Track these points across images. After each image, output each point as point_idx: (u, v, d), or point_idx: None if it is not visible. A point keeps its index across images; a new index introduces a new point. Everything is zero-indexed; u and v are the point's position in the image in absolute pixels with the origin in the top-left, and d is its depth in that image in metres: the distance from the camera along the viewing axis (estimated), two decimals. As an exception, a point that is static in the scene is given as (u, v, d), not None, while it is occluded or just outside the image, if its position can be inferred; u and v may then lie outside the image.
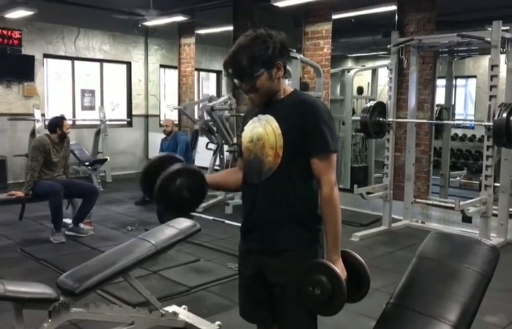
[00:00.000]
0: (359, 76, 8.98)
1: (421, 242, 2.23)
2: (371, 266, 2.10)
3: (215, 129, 7.51)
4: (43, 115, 8.99)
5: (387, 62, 6.83)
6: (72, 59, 9.85)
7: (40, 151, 5.38)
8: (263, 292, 2.05)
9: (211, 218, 6.31)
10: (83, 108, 10.17)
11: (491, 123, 5.26)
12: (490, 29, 5.34)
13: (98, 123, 9.60)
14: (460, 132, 9.91)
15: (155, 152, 8.53)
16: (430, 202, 6.58)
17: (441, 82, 7.51)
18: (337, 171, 2.09)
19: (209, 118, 7.37)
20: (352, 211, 6.83)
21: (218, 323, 3.26)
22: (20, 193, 5.35)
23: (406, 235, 6.00)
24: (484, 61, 8.36)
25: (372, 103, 6.54)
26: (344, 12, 7.64)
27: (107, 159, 9.10)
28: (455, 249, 2.16)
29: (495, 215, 5.57)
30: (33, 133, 8.44)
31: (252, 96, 1.99)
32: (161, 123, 10.28)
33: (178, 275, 4.41)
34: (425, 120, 6.64)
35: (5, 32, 8.71)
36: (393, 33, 6.41)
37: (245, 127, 2.08)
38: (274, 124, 1.96)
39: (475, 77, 10.20)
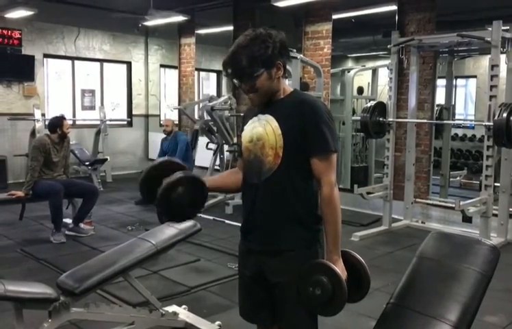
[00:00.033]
0: (359, 76, 8.98)
1: (422, 242, 2.23)
2: (371, 266, 2.10)
3: (215, 129, 7.51)
4: (43, 115, 8.99)
5: (387, 62, 6.83)
6: (73, 59, 9.85)
7: (40, 151, 5.38)
8: (263, 292, 2.05)
9: (211, 218, 6.31)
10: (84, 108, 10.17)
11: (491, 123, 5.26)
12: (490, 29, 5.34)
13: (98, 122, 9.59)
14: (460, 132, 9.91)
15: (155, 152, 8.53)
16: (431, 202, 6.58)
17: (441, 82, 7.51)
18: (337, 171, 2.08)
19: (209, 118, 7.38)
20: (352, 211, 6.83)
21: (218, 323, 3.26)
22: (20, 193, 5.35)
23: (406, 235, 6.00)
24: (485, 61, 8.37)
25: (372, 103, 6.54)
26: (344, 12, 7.64)
27: (107, 159, 9.10)
28: (455, 249, 2.16)
29: (496, 215, 5.57)
30: (33, 133, 8.44)
31: (251, 96, 1.98)
32: (162, 122, 10.29)
33: (178, 275, 4.41)
34: (425, 120, 6.64)
35: (5, 32, 8.71)
36: (393, 33, 6.41)
37: (245, 127, 2.07)
38: (274, 124, 1.95)
39: (475, 77, 10.21)
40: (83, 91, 10.17)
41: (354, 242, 5.60)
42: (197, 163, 7.89)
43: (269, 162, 1.95)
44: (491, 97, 5.34)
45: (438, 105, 7.47)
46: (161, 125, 10.14)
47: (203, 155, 7.74)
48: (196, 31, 9.82)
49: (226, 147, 7.57)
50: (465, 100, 10.92)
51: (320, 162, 1.92)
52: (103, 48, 10.19)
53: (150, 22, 9.03)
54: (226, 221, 6.29)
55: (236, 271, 2.60)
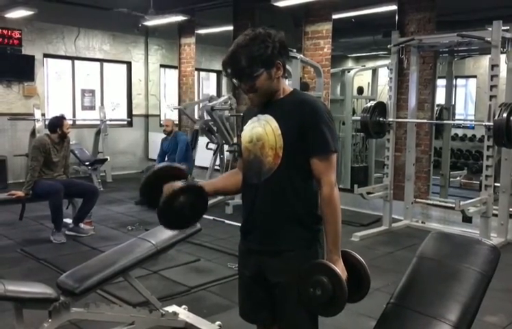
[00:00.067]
0: (359, 76, 8.99)
1: (422, 242, 2.23)
2: (371, 266, 2.10)
3: (215, 129, 7.51)
4: (43, 115, 8.99)
5: (387, 61, 6.84)
6: (73, 59, 9.85)
7: (40, 151, 5.38)
8: (263, 292, 2.05)
9: (211, 218, 6.31)
10: (84, 108, 10.17)
11: (492, 123, 5.26)
12: (490, 29, 5.34)
13: (98, 122, 9.60)
14: (460, 132, 9.91)
15: (155, 152, 8.53)
16: (431, 202, 6.58)
17: (441, 82, 7.51)
18: (337, 171, 2.08)
19: (209, 118, 7.38)
20: (353, 211, 6.83)
21: (218, 323, 3.26)
22: (20, 193, 5.34)
23: (406, 235, 6.00)
24: (485, 61, 8.37)
25: (372, 103, 6.54)
26: (344, 12, 7.64)
27: (107, 159, 9.10)
28: (455, 249, 2.16)
29: (496, 215, 5.57)
30: (33, 133, 8.44)
31: (251, 96, 1.98)
32: (162, 122, 10.29)
33: (178, 275, 4.41)
34: (425, 120, 6.64)
35: (5, 32, 8.71)
36: (393, 33, 6.41)
37: (244, 127, 2.07)
38: (274, 124, 1.95)
39: (475, 77, 10.21)
40: (83, 91, 10.17)
41: (354, 243, 5.60)
42: (197, 163, 7.90)
43: (269, 162, 1.95)
44: (491, 97, 5.34)
45: (438, 105, 7.47)
46: (161, 125, 10.14)
47: (203, 155, 7.74)
48: (196, 31, 9.82)
49: (226, 147, 7.57)
50: (465, 100, 10.92)
51: (320, 162, 1.92)
52: (103, 48, 10.19)
53: (150, 22, 9.03)
54: (226, 221, 6.29)
55: (236, 271, 2.59)
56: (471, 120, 10.65)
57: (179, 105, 9.80)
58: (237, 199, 6.64)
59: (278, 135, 1.93)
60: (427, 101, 6.65)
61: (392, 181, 6.39)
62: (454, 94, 8.86)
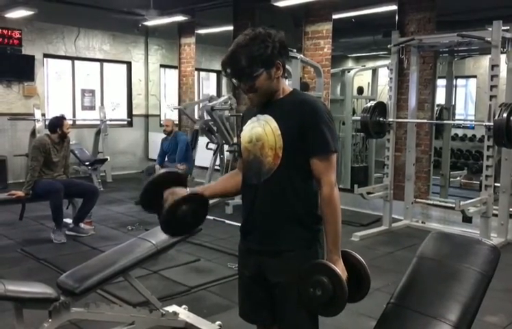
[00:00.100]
0: (359, 76, 8.98)
1: (422, 242, 2.23)
2: (371, 266, 2.10)
3: (215, 129, 7.51)
4: (43, 115, 8.99)
5: (387, 61, 6.83)
6: (73, 59, 9.85)
7: (40, 151, 5.38)
8: (263, 292, 2.05)
9: (212, 218, 6.31)
10: (84, 108, 10.18)
11: (492, 123, 5.26)
12: (490, 29, 5.34)
13: (98, 122, 9.60)
14: (460, 132, 9.91)
15: (155, 152, 8.53)
16: (431, 202, 6.58)
17: (441, 82, 7.51)
18: (337, 171, 2.08)
19: (209, 118, 7.37)
20: (353, 211, 6.83)
21: (218, 323, 3.26)
22: (20, 193, 5.34)
23: (406, 235, 6.00)
24: (485, 61, 8.36)
25: (373, 103, 6.54)
26: (345, 12, 7.63)
27: (107, 159, 9.11)
28: (455, 249, 2.15)
29: (496, 215, 5.57)
30: (33, 133, 8.44)
31: (251, 96, 1.97)
32: (162, 122, 10.28)
33: (178, 275, 4.41)
34: (425, 120, 6.64)
35: (5, 32, 8.71)
36: (393, 33, 6.41)
37: (243, 128, 2.06)
38: (274, 124, 1.94)
39: (475, 77, 10.20)
40: (83, 91, 10.17)
41: (355, 243, 5.60)
42: (197, 163, 7.89)
43: (268, 162, 1.94)
44: (491, 97, 5.34)
45: (438, 105, 7.47)
46: (161, 125, 10.14)
47: (203, 155, 7.74)
48: (196, 31, 9.82)
49: (226, 147, 7.57)
50: (465, 100, 10.92)
51: (320, 162, 1.91)
52: (103, 48, 10.19)
53: (150, 22, 9.04)
54: (226, 221, 6.29)
55: (236, 271, 2.59)
56: (471, 121, 10.65)
57: (179, 105, 9.80)
58: (237, 199, 6.64)
59: (278, 135, 1.93)
60: (427, 101, 6.65)
61: (392, 181, 6.39)
62: (454, 94, 8.86)
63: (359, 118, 6.80)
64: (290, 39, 6.79)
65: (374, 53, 9.06)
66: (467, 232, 5.56)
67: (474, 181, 8.09)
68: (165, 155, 7.68)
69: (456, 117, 9.63)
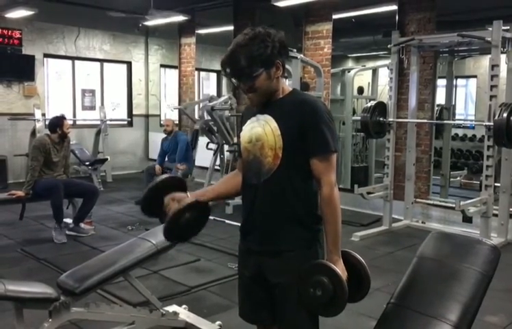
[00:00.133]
0: (360, 76, 8.98)
1: (422, 242, 2.23)
2: (371, 266, 2.10)
3: (215, 129, 7.50)
4: (43, 115, 9.00)
5: (387, 61, 6.83)
6: (73, 59, 9.85)
7: (41, 150, 5.38)
8: (263, 292, 2.05)
9: (212, 218, 6.24)
10: (84, 108, 10.18)
11: (492, 123, 5.26)
12: (490, 28, 5.34)
13: (98, 122, 9.60)
14: (460, 132, 9.91)
15: (155, 152, 8.53)
16: (431, 202, 6.57)
17: (441, 82, 7.51)
18: (337, 171, 2.08)
19: (209, 118, 7.37)
20: (353, 211, 6.83)
21: (218, 323, 3.26)
22: (20, 193, 5.34)
23: (406, 235, 5.99)
24: (485, 61, 8.36)
25: (373, 103, 6.54)
26: (345, 12, 7.63)
27: (107, 159, 9.10)
28: (456, 249, 2.15)
29: (496, 215, 5.57)
30: (33, 133, 8.45)
31: (250, 96, 1.97)
32: (162, 122, 10.28)
33: (178, 274, 4.41)
34: (425, 120, 6.64)
35: (5, 32, 8.71)
36: (393, 33, 6.41)
37: (243, 127, 2.06)
38: (273, 124, 1.94)
39: (475, 76, 10.21)
40: (84, 91, 10.17)
41: (355, 243, 5.60)
42: (197, 163, 7.89)
43: (268, 162, 1.94)
44: (491, 97, 5.33)
45: (438, 105, 7.47)
46: (161, 125, 10.14)
47: (203, 155, 7.74)
48: (196, 31, 9.82)
49: (226, 147, 7.57)
50: (466, 100, 10.92)
51: (319, 162, 1.91)
52: (103, 48, 10.19)
53: (150, 22, 9.03)
54: (226, 221, 6.29)
55: (236, 271, 2.59)
56: (471, 120, 10.65)
57: (179, 105, 9.80)
58: (237, 199, 6.60)
59: (278, 135, 1.92)
60: (427, 101, 6.64)
61: (392, 181, 6.39)
62: (454, 94, 8.86)
63: (359, 118, 6.80)
64: (290, 39, 6.80)
65: (374, 53, 9.06)
66: (467, 232, 5.56)
67: (474, 181, 8.09)
68: (165, 155, 7.69)
69: (457, 117, 9.63)
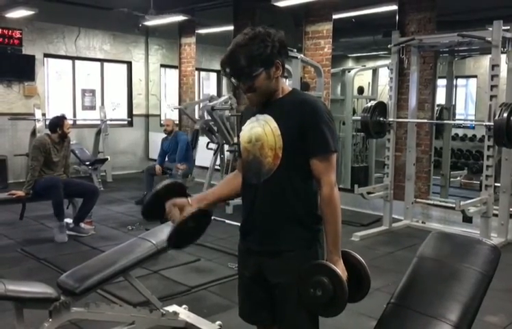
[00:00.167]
0: (360, 76, 8.98)
1: (422, 242, 2.23)
2: (371, 266, 2.10)
3: (215, 128, 7.50)
4: (44, 115, 8.99)
5: (387, 61, 6.83)
6: (73, 58, 9.85)
7: (41, 150, 5.38)
8: (263, 292, 2.04)
9: (212, 218, 6.30)
10: (84, 108, 10.18)
11: (492, 123, 5.26)
12: (491, 28, 5.34)
13: (98, 122, 9.60)
14: (460, 132, 9.91)
15: (155, 152, 8.54)
16: (431, 202, 6.57)
17: (441, 82, 7.50)
18: (337, 171, 2.08)
19: (209, 117, 7.37)
20: (353, 211, 6.83)
21: (218, 322, 3.26)
22: (20, 193, 5.35)
23: (406, 235, 5.99)
24: (485, 61, 8.36)
25: (373, 102, 6.54)
26: (345, 12, 7.63)
27: (107, 158, 9.11)
28: (456, 249, 2.15)
29: (496, 215, 5.57)
30: (33, 132, 8.45)
31: (250, 95, 1.97)
32: (162, 122, 10.28)
33: (178, 274, 4.41)
34: (426, 120, 6.64)
35: (5, 32, 8.71)
36: (393, 33, 6.41)
37: (243, 127, 2.05)
38: (273, 124, 1.94)
39: (475, 76, 10.20)
40: (84, 91, 10.17)
41: (355, 243, 5.60)
42: (197, 163, 7.90)
43: (268, 162, 1.94)
44: (491, 97, 5.33)
45: (438, 105, 7.47)
46: (161, 125, 10.14)
47: (203, 155, 7.74)
48: (196, 31, 9.82)
49: (226, 147, 7.57)
50: (466, 100, 10.92)
51: (319, 162, 1.91)
52: (104, 48, 10.19)
53: (150, 22, 9.03)
54: (227, 221, 6.29)
55: (236, 271, 2.59)
56: (471, 120, 10.64)
57: (180, 105, 9.80)
58: (237, 199, 6.63)
59: (278, 135, 1.92)
60: (427, 101, 6.64)
61: (392, 181, 6.39)
62: (454, 94, 8.86)
63: (359, 118, 6.80)
64: (290, 39, 6.81)
65: (375, 53, 9.06)
66: (467, 232, 5.56)
67: (474, 181, 8.09)
68: (165, 155, 7.69)
69: (457, 117, 9.63)
